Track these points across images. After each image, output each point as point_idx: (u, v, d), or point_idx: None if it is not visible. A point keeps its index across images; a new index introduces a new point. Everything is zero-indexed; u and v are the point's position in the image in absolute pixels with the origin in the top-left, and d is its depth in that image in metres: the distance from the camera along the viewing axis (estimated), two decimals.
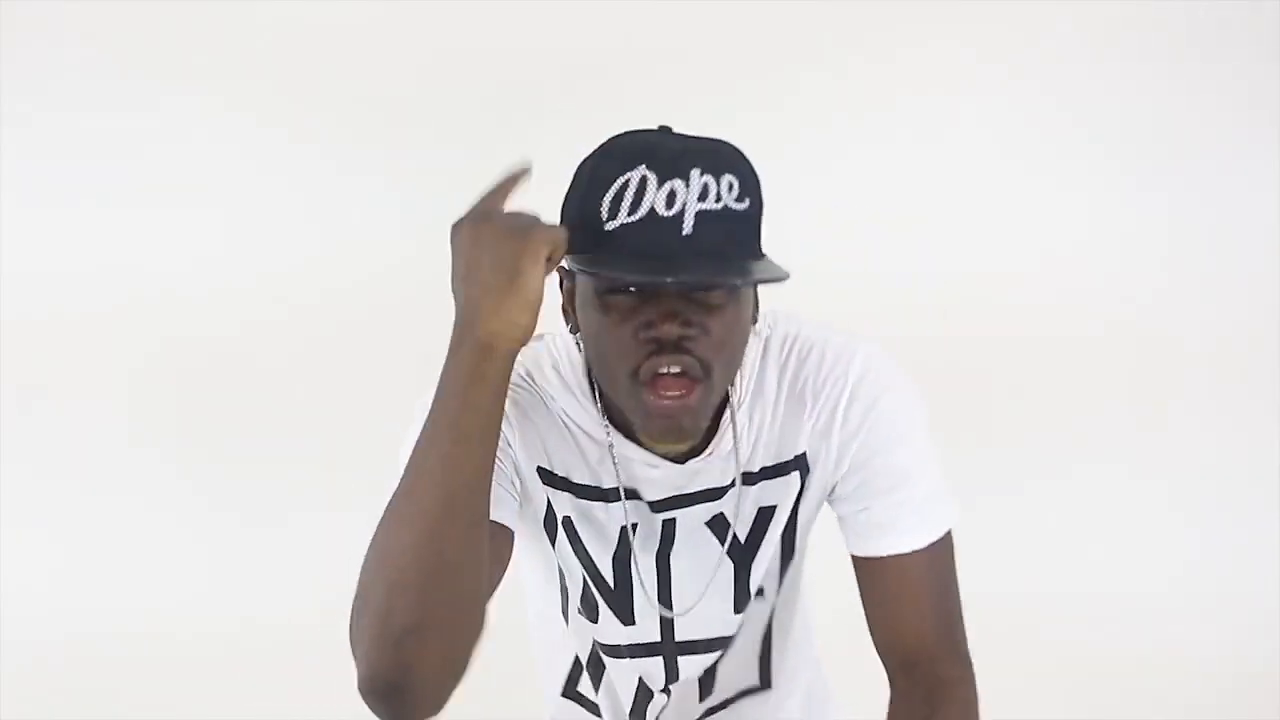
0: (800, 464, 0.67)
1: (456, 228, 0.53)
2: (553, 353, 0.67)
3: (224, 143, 1.97)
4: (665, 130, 0.59)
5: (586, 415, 0.65)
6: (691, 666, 0.72)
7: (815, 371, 0.66)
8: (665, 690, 0.73)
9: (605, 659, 0.73)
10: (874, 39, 1.97)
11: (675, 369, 0.55)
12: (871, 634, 0.69)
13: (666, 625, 0.70)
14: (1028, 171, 1.94)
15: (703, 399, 0.57)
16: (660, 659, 0.71)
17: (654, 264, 0.52)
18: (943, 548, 0.67)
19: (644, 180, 0.53)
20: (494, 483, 0.57)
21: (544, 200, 0.57)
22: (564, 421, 0.66)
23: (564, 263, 0.57)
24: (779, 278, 0.55)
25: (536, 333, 0.58)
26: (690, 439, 0.60)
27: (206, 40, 1.94)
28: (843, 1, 1.93)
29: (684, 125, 0.60)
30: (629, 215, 0.53)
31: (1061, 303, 1.92)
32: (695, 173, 0.54)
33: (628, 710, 0.75)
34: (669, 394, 0.55)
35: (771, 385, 0.66)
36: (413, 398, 0.59)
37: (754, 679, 0.77)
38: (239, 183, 1.98)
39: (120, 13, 1.92)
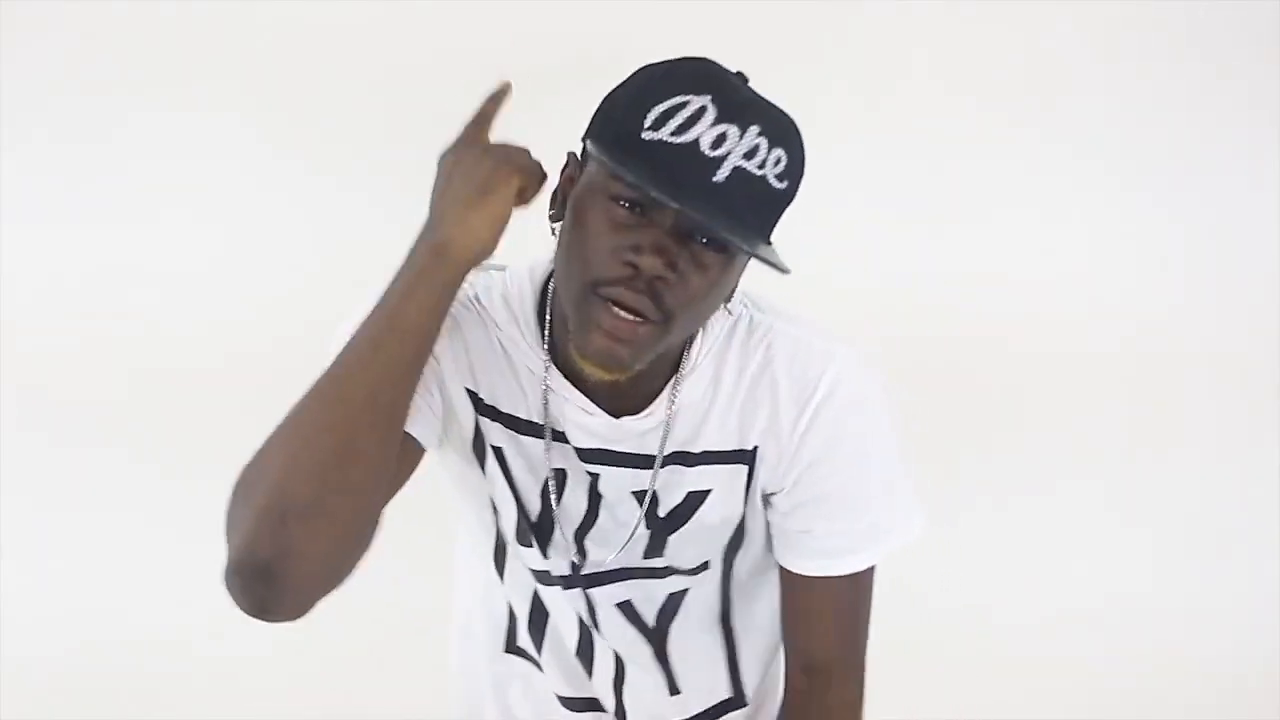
0: (748, 458, 0.64)
1: (443, 153, 0.54)
2: (506, 285, 0.65)
3: (221, 151, 1.97)
4: (742, 76, 0.56)
5: (528, 348, 0.63)
6: (603, 597, 0.70)
7: (786, 368, 0.62)
8: (594, 625, 0.71)
9: (545, 600, 0.72)
10: (876, 40, 1.98)
11: (635, 306, 0.52)
12: (782, 630, 0.71)
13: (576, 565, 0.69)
14: (1030, 174, 1.93)
15: (650, 340, 0.54)
16: (578, 591, 0.70)
17: (675, 189, 0.49)
18: (870, 573, 0.67)
19: (702, 110, 0.51)
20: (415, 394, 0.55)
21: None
22: (503, 349, 0.63)
23: (587, 145, 0.56)
24: (782, 267, 0.53)
25: (499, 263, 0.59)
26: (620, 373, 0.55)
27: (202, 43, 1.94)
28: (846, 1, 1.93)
29: None
30: (671, 135, 0.51)
31: (1063, 309, 1.91)
32: (754, 129, 0.52)
33: (574, 652, 0.73)
34: (623, 317, 0.52)
35: (732, 371, 0.63)
36: None
37: (725, 691, 0.75)
38: (237, 190, 1.98)
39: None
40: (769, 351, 0.63)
